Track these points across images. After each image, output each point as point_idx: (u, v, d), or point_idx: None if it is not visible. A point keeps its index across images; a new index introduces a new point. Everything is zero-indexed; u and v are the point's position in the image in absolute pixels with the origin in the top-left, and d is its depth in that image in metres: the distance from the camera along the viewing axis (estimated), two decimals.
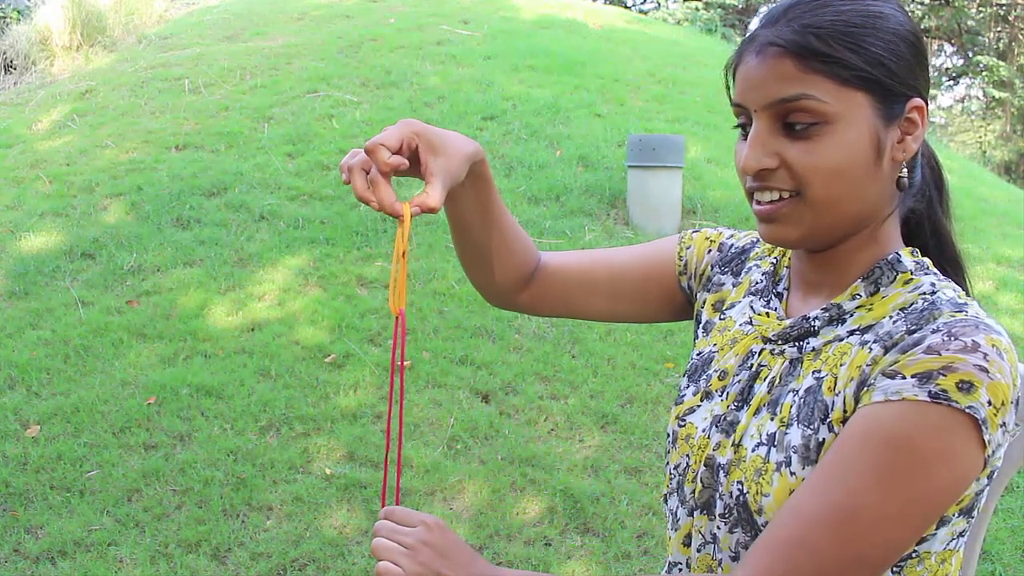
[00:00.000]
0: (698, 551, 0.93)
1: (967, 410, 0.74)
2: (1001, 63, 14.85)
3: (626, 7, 14.27)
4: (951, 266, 0.95)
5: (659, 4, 15.53)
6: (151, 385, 3.23)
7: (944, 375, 0.75)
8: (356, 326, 3.64)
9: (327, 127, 5.42)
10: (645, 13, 14.29)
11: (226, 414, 3.11)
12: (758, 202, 0.86)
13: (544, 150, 5.27)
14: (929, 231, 0.95)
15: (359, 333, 3.60)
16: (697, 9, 14.29)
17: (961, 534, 0.85)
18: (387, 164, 0.82)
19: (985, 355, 0.75)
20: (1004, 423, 0.77)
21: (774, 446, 0.85)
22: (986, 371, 0.75)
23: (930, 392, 0.75)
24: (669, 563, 0.99)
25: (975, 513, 0.84)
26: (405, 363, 3.40)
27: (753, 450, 0.86)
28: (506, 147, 5.27)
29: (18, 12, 7.55)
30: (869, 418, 0.78)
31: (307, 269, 4.05)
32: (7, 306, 3.80)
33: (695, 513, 0.93)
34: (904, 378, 0.77)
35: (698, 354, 1.02)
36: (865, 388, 0.80)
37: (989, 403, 0.75)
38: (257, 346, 3.50)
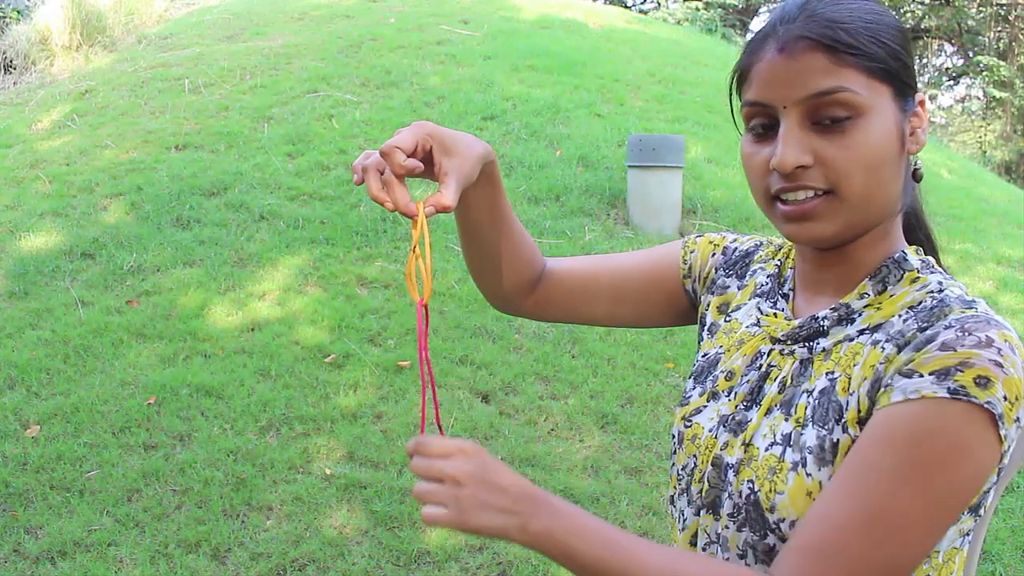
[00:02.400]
0: (703, 549, 0.93)
1: (985, 405, 0.74)
2: (1001, 63, 14.85)
3: (626, 7, 14.27)
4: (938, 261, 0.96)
5: (659, 4, 15.52)
6: (151, 385, 3.23)
7: (961, 371, 0.75)
8: (356, 326, 3.64)
9: (327, 127, 5.42)
10: (645, 13, 14.28)
11: (226, 414, 3.10)
12: (785, 202, 0.85)
13: (544, 150, 5.26)
14: (919, 226, 0.96)
15: (359, 333, 3.60)
16: (697, 9, 14.28)
17: (967, 533, 0.85)
18: (402, 167, 0.83)
19: (999, 350, 0.76)
20: (1018, 418, 0.77)
21: (789, 446, 0.85)
22: (1001, 366, 0.75)
23: (949, 388, 0.75)
24: None
25: (982, 511, 0.84)
26: (405, 363, 3.41)
27: (766, 449, 0.86)
28: (506, 147, 5.27)
29: (18, 12, 7.55)
30: (891, 418, 0.78)
31: (307, 269, 4.05)
32: (7, 306, 3.80)
33: (701, 512, 0.92)
34: (921, 376, 0.77)
35: (703, 356, 1.02)
36: (882, 389, 0.80)
37: (1005, 398, 0.75)
38: (257, 346, 3.49)
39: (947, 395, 0.75)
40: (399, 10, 7.61)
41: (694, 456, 0.94)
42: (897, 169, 0.84)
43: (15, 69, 6.98)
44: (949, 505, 0.76)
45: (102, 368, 3.37)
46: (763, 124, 0.86)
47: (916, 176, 0.89)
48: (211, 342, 3.53)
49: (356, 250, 4.23)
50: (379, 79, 6.08)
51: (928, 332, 0.79)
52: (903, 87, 0.84)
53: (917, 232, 0.95)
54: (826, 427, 0.83)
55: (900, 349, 0.81)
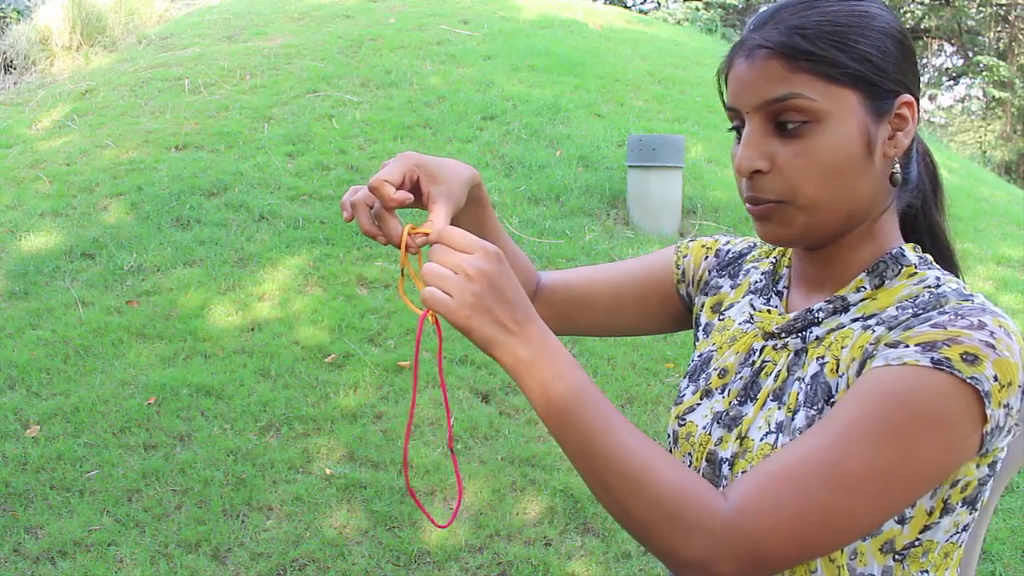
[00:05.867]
0: None
1: (969, 380, 0.74)
2: (1001, 63, 14.85)
3: (626, 7, 14.26)
4: (945, 263, 0.96)
5: (659, 4, 15.52)
6: (151, 385, 3.23)
7: (948, 345, 0.75)
8: (356, 326, 3.64)
9: (327, 127, 5.42)
10: (645, 13, 14.28)
11: (226, 414, 3.10)
12: (752, 203, 0.88)
13: (544, 150, 5.26)
14: (924, 227, 0.96)
15: (359, 333, 3.60)
16: (697, 9, 14.29)
17: (965, 528, 0.85)
18: (393, 200, 0.84)
19: (992, 333, 0.76)
20: (1008, 403, 0.76)
21: (781, 432, 0.86)
22: (993, 347, 0.75)
23: (932, 359, 0.75)
24: None
25: (979, 505, 0.84)
26: (405, 363, 3.41)
27: (761, 439, 0.87)
28: (506, 147, 5.27)
29: (18, 12, 7.56)
30: (869, 377, 0.78)
31: (307, 269, 4.05)
32: (7, 306, 3.80)
33: None
34: (907, 347, 0.77)
35: (699, 355, 1.03)
36: (868, 360, 0.81)
37: (995, 378, 0.74)
38: (257, 346, 3.50)
39: (929, 364, 0.75)
40: (399, 10, 7.61)
41: (689, 454, 0.95)
42: (864, 173, 0.84)
43: (15, 69, 6.98)
44: (913, 470, 0.75)
45: (102, 368, 3.37)
46: (740, 127, 0.88)
47: (892, 181, 0.87)
48: (211, 342, 3.53)
49: (356, 250, 4.23)
50: (379, 79, 6.08)
51: (921, 316, 0.80)
52: (875, 91, 0.83)
53: (922, 233, 0.96)
54: (816, 408, 0.84)
55: (891, 329, 0.82)
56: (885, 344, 0.79)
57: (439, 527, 0.85)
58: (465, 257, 0.75)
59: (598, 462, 0.76)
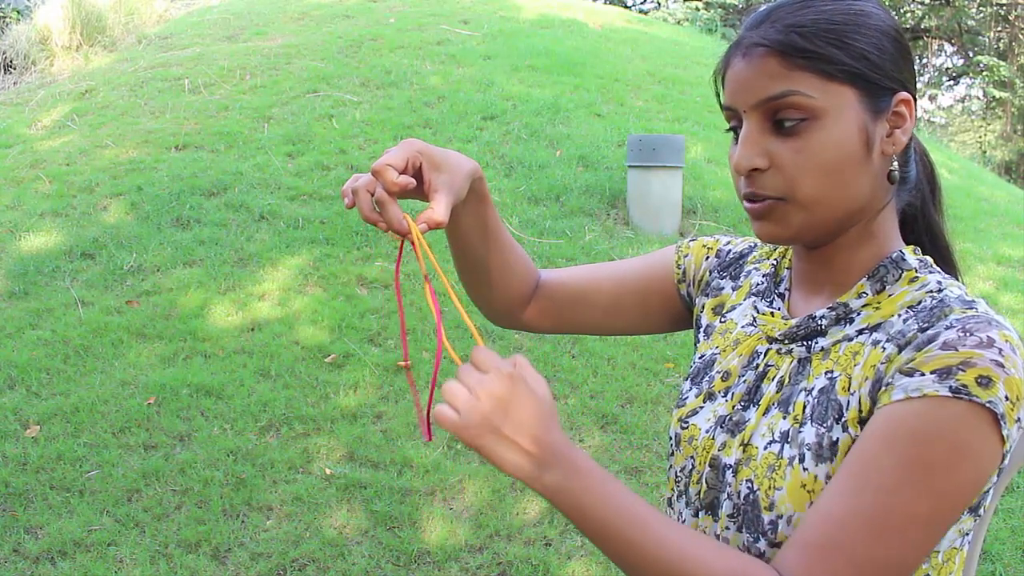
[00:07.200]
0: None
1: (987, 405, 0.75)
2: (1001, 63, 14.85)
3: (626, 7, 14.26)
4: (944, 263, 0.96)
5: (659, 4, 15.52)
6: (151, 385, 3.23)
7: (963, 370, 0.75)
8: (356, 326, 3.64)
9: (327, 127, 5.42)
10: (645, 13, 14.28)
11: (226, 414, 3.10)
12: (750, 201, 0.87)
13: (544, 150, 5.26)
14: (923, 227, 0.96)
15: (359, 333, 3.60)
16: (697, 9, 14.29)
17: (967, 533, 0.85)
18: (396, 184, 0.83)
19: (1000, 350, 0.76)
20: (1019, 418, 0.77)
21: (787, 442, 0.85)
22: (1002, 366, 0.75)
23: (951, 387, 0.75)
24: None
25: (981, 511, 0.85)
26: (404, 363, 3.41)
27: (765, 448, 0.86)
28: (506, 147, 5.27)
29: (18, 12, 7.55)
30: (891, 416, 0.78)
31: (307, 269, 4.05)
32: (7, 306, 3.80)
33: (700, 514, 0.93)
34: (923, 375, 0.77)
35: (700, 357, 1.02)
36: (883, 388, 0.80)
37: (1006, 398, 0.75)
38: (257, 346, 3.50)
39: (949, 394, 0.75)
40: (399, 10, 7.61)
41: (691, 457, 0.94)
42: (861, 171, 0.84)
43: (15, 69, 6.98)
44: (950, 504, 0.76)
45: (102, 368, 3.37)
46: (737, 127, 0.88)
47: (890, 179, 0.88)
48: (211, 342, 3.53)
49: (356, 250, 4.23)
50: (379, 79, 6.08)
51: (929, 332, 0.79)
52: (873, 88, 0.83)
53: (921, 234, 0.95)
54: (825, 425, 0.84)
55: (901, 349, 0.81)
56: (899, 371, 0.79)
57: (427, 440, 0.85)
58: (479, 377, 0.75)
59: (648, 571, 0.77)
